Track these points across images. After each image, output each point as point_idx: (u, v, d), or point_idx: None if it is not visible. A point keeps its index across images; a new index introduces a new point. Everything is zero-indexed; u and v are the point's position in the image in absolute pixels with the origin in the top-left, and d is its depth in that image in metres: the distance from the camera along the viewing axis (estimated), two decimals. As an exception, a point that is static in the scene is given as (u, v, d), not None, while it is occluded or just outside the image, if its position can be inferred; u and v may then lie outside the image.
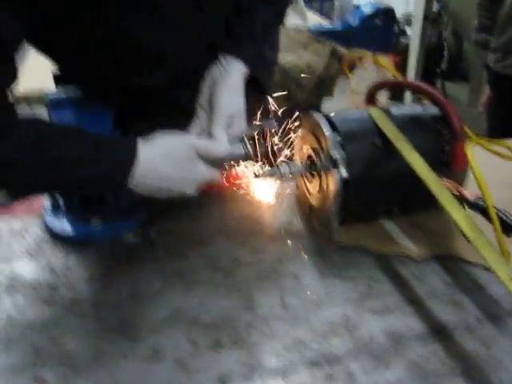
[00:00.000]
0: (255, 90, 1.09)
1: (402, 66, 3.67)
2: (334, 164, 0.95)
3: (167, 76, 1.03)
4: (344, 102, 1.61)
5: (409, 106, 1.13)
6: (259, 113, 1.07)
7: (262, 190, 1.13)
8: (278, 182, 1.09)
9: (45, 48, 0.93)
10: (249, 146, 0.97)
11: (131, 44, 0.91)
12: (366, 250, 0.99)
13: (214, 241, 1.05)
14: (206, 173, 0.92)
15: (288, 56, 2.48)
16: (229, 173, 1.15)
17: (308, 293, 0.90)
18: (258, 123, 1.02)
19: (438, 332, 0.79)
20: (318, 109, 2.60)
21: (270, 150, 0.99)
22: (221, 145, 0.94)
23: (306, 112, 1.07)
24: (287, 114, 1.17)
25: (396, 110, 1.07)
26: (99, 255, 1.01)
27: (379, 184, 1.00)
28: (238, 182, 1.17)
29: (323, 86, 2.58)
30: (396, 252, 1.00)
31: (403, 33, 4.40)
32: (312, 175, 1.03)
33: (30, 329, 0.81)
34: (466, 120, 1.00)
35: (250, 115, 1.04)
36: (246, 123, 1.01)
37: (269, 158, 1.00)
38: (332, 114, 1.03)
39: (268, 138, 0.99)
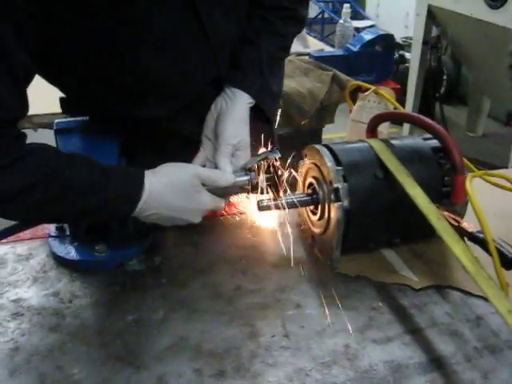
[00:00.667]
0: (260, 119, 1.11)
1: (402, 93, 3.72)
2: (337, 195, 0.96)
3: (173, 106, 1.04)
4: (345, 128, 1.63)
5: (409, 138, 1.13)
6: (263, 142, 1.09)
7: (265, 218, 1.14)
8: (281, 211, 1.09)
9: (51, 75, 0.94)
10: (253, 176, 0.98)
11: (140, 72, 0.92)
12: (368, 280, 1.00)
13: (216, 268, 1.06)
14: (210, 202, 0.93)
15: (290, 82, 2.52)
16: (233, 202, 1.17)
17: (310, 322, 0.90)
18: (262, 153, 1.03)
19: (437, 362, 0.80)
20: (319, 135, 2.61)
21: (274, 179, 1.00)
22: (225, 174, 0.96)
23: (308, 143, 1.10)
24: (289, 143, 1.18)
25: (397, 141, 1.09)
26: (104, 281, 1.01)
27: (380, 214, 1.02)
28: (241, 210, 1.19)
29: (324, 112, 2.60)
30: (397, 281, 1.01)
31: (403, 59, 4.46)
32: (314, 206, 1.05)
33: (35, 355, 0.81)
34: (464, 144, 1.04)
35: (255, 145, 1.06)
36: (250, 153, 1.03)
37: (272, 187, 1.00)
38: (334, 146, 1.06)
39: (272, 168, 0.99)
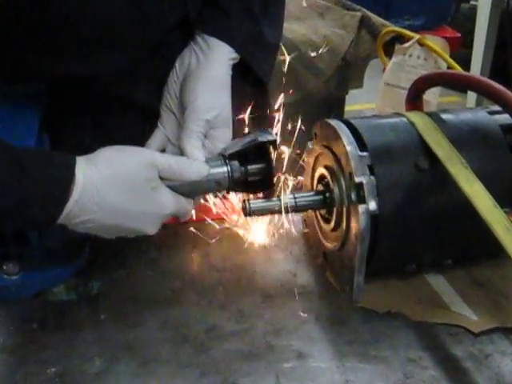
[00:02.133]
0: (248, 83, 1.13)
1: (464, 44, 3.64)
2: (359, 194, 0.97)
3: (115, 63, 1.05)
4: (376, 96, 1.63)
5: (468, 111, 1.12)
6: (252, 117, 1.10)
7: (254, 227, 1.17)
8: (278, 217, 1.15)
9: None
10: (235, 167, 0.99)
11: (73, 11, 0.92)
12: (404, 319, 1.01)
13: (182, 299, 1.06)
14: (172, 204, 0.94)
15: (298, 27, 2.48)
16: (206, 203, 1.17)
17: (317, 379, 0.90)
18: (249, 134, 1.04)
19: None
20: (339, 105, 2.58)
21: (267, 172, 1.01)
22: (195, 164, 0.96)
23: (323, 117, 1.11)
24: (294, 118, 1.21)
25: (450, 116, 1.10)
26: (15, 317, 1.01)
27: (424, 223, 1.03)
28: (219, 215, 1.20)
29: (348, 72, 2.56)
30: (446, 321, 1.01)
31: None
32: (327, 209, 1.06)
33: None
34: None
35: (240, 122, 1.08)
36: (231, 134, 1.04)
37: (265, 184, 1.02)
38: (358, 122, 1.06)
39: (265, 156, 1.01)
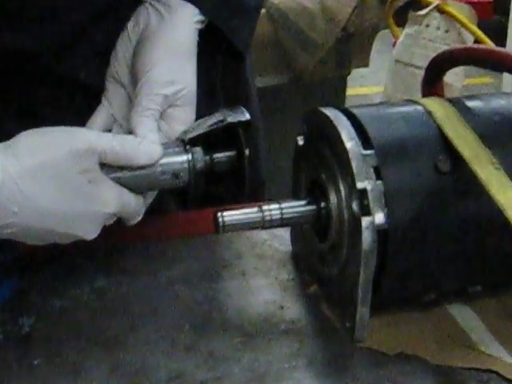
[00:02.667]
0: (220, 53, 1.18)
1: (497, 11, 3.55)
2: (363, 203, 0.95)
3: (46, 32, 1.06)
4: (385, 77, 1.61)
5: (503, 97, 1.12)
6: (222, 95, 1.13)
7: (228, 243, 1.18)
8: (257, 231, 1.16)
9: None
10: (199, 156, 1.01)
11: None
12: (421, 362, 0.98)
13: (138, 338, 1.04)
14: (116, 200, 0.94)
15: None
16: (161, 204, 1.16)
17: None
18: (217, 113, 1.05)
19: None
20: (340, 88, 2.58)
21: (237, 163, 1.05)
22: (144, 144, 0.96)
23: (314, 104, 1.09)
24: (282, 104, 1.22)
25: (477, 103, 1.07)
26: None
27: (445, 240, 1.00)
28: (179, 223, 1.22)
29: (350, 46, 2.56)
30: (474, 365, 0.98)
31: None
32: (323, 223, 1.05)
33: None
34: None
35: (206, 100, 1.09)
36: (195, 114, 1.05)
37: (237, 179, 1.05)
38: (361, 111, 1.04)
39: (239, 141, 1.04)
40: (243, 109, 1.04)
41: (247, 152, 1.03)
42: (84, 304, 1.10)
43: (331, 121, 1.01)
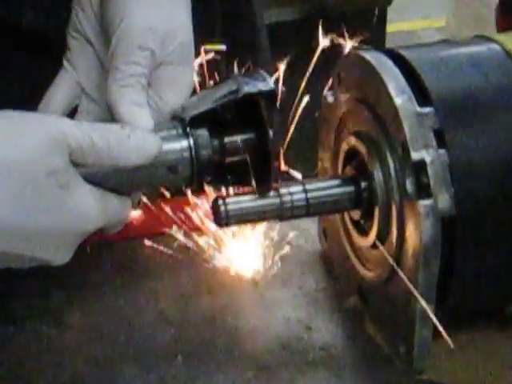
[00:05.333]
0: None
1: None
2: (420, 181, 0.95)
3: None
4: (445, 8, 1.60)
5: None
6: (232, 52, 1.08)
7: (237, 248, 1.17)
8: (278, 227, 1.15)
9: None
10: (205, 141, 0.98)
11: None
12: None
13: (114, 375, 1.04)
14: (97, 210, 0.92)
15: None
16: (150, 206, 1.18)
17: None
18: (230, 82, 1.01)
19: None
20: (379, 22, 2.56)
21: (260, 149, 1.00)
22: (137, 135, 0.94)
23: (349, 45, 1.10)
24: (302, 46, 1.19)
25: None
26: None
27: None
28: (175, 227, 1.21)
29: None
30: None
31: None
32: (363, 210, 1.05)
33: None
34: None
35: (214, 61, 1.07)
36: (193, 73, 1.05)
37: (259, 171, 1.00)
38: (414, 54, 1.04)
39: (260, 119, 0.99)
40: (264, 73, 1.00)
41: (271, 133, 0.98)
42: (39, 328, 1.13)
43: (373, 67, 1.01)
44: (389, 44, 1.57)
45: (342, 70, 1.10)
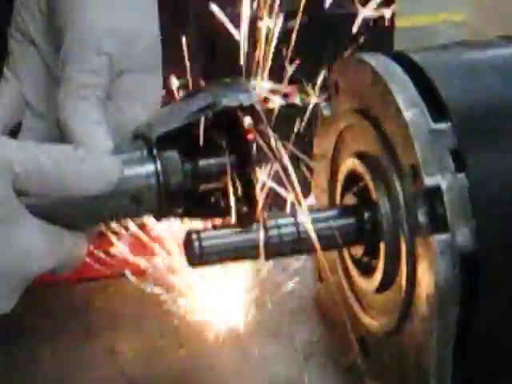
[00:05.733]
0: None
1: None
2: (435, 211, 0.91)
3: None
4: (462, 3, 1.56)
5: None
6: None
7: (215, 293, 1.14)
8: (261, 266, 1.13)
9: None
10: (175, 164, 0.93)
11: None
12: None
13: None
14: (45, 250, 0.88)
15: None
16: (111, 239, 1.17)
17: None
18: (202, 90, 1.00)
19: None
20: (382, 24, 2.55)
21: (242, 173, 0.95)
22: (93, 160, 0.90)
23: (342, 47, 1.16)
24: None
25: None
26: None
27: None
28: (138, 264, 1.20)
29: None
30: None
31: None
32: (367, 245, 1.03)
33: None
34: None
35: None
36: (162, 80, 1.04)
37: (244, 201, 0.96)
38: (426, 58, 1.01)
39: (242, 137, 0.95)
40: (245, 84, 0.97)
41: (255, 156, 0.94)
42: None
43: (378, 74, 0.97)
44: (398, 43, 1.52)
45: (340, 77, 1.08)
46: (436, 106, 0.93)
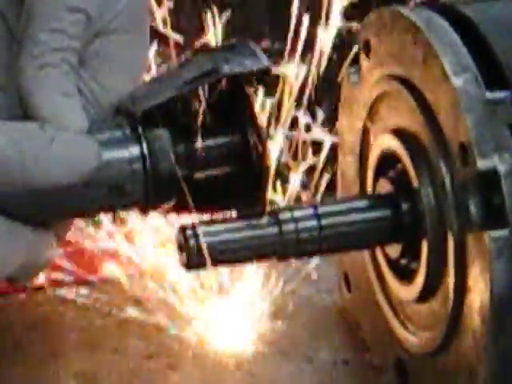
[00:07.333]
0: None
1: None
2: (490, 202, 0.85)
3: None
4: None
5: None
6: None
7: (214, 305, 1.10)
8: (274, 269, 1.07)
9: None
10: (165, 145, 0.87)
11: None
12: None
13: None
14: (8, 249, 0.86)
15: None
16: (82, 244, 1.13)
17: None
18: (198, 53, 0.96)
19: None
20: None
21: (247, 152, 0.88)
22: (63, 140, 0.84)
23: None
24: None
25: None
26: None
27: None
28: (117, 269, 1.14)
29: None
30: None
31: None
32: (404, 243, 0.95)
33: None
34: None
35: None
36: (148, 44, 0.97)
37: (246, 187, 0.89)
38: (478, 11, 0.94)
39: (248, 111, 0.88)
40: (253, 46, 0.89)
41: (263, 135, 0.87)
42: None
43: (420, 31, 0.90)
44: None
45: (371, 34, 0.99)
46: (492, 70, 0.86)
